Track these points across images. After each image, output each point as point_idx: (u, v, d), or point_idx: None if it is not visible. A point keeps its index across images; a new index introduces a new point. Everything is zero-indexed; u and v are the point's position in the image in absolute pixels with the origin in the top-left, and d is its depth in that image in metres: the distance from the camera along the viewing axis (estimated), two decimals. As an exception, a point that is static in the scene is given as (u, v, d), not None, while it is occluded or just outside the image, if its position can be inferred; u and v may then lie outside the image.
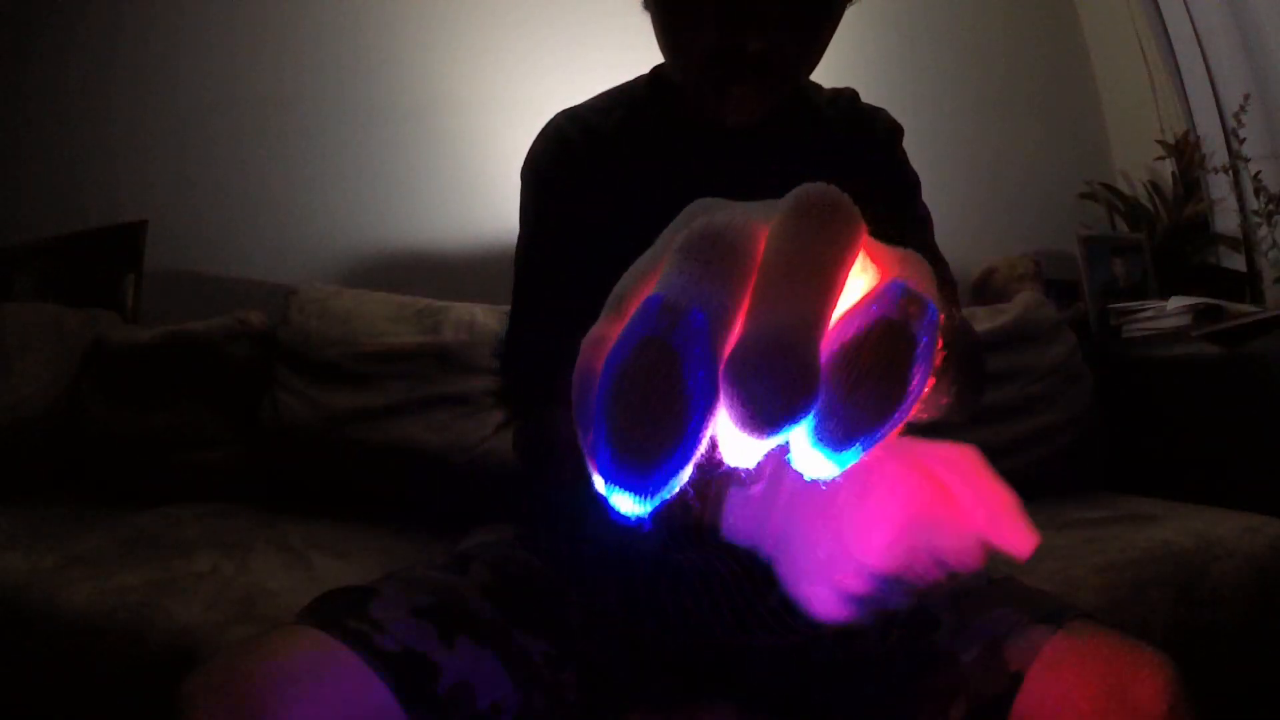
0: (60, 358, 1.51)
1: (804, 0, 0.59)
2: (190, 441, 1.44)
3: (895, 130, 0.77)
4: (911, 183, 0.76)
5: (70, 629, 0.86)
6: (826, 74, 0.73)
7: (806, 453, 0.17)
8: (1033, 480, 1.34)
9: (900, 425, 0.18)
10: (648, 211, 0.68)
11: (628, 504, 0.17)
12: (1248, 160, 1.68)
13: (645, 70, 0.76)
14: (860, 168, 0.71)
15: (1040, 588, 0.57)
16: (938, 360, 0.18)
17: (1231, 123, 1.70)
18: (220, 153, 1.87)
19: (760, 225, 0.18)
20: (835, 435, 0.17)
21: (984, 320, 1.44)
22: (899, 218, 0.72)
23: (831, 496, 0.34)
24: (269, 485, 1.43)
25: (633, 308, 0.17)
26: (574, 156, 0.71)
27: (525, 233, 0.73)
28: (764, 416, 0.16)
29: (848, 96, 0.77)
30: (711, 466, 0.17)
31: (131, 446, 1.44)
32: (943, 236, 0.75)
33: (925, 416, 0.31)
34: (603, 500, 0.17)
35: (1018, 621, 0.51)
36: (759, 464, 0.17)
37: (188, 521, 1.20)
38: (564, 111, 0.75)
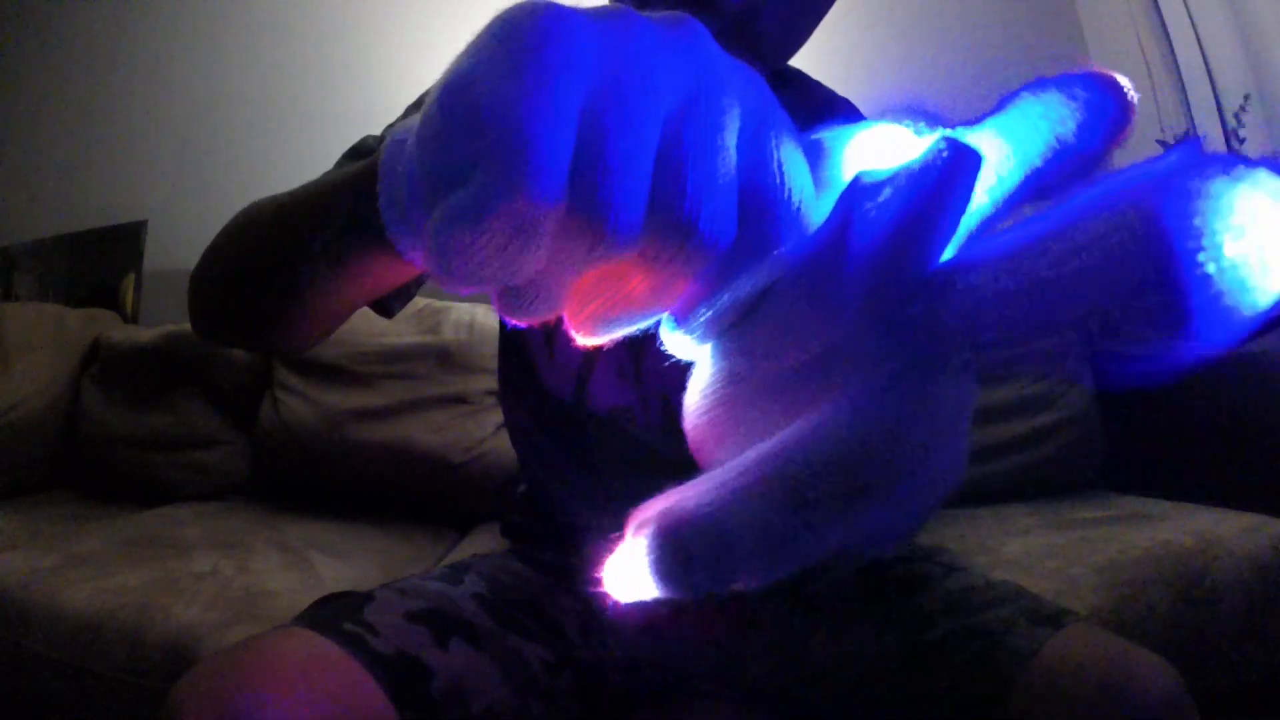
0: (60, 358, 1.51)
1: None
2: (190, 441, 1.44)
3: None
4: None
5: (70, 629, 0.86)
6: (825, 75, 0.73)
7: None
8: (1033, 480, 1.34)
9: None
10: None
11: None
12: (1248, 160, 1.68)
13: None
14: None
15: (1038, 593, 0.57)
16: None
17: (1231, 123, 1.70)
18: (220, 153, 1.87)
19: None
20: None
21: (984, 320, 1.44)
22: None
23: None
24: (269, 485, 1.43)
25: None
26: None
27: None
28: None
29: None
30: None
31: (131, 446, 1.44)
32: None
33: None
34: None
35: (1015, 623, 0.51)
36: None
37: (188, 521, 1.20)
38: None
